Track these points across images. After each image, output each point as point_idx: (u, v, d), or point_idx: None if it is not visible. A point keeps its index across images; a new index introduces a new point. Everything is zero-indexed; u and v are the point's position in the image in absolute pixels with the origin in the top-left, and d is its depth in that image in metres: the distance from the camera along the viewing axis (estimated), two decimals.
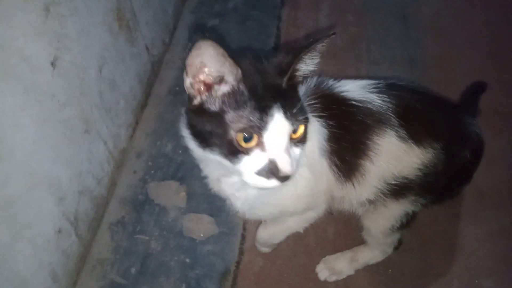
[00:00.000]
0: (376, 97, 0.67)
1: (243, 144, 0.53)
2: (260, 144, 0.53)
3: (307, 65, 0.59)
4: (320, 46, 0.57)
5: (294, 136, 0.55)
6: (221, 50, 0.51)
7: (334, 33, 0.58)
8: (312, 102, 0.65)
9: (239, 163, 0.54)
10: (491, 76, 1.29)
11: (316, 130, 0.64)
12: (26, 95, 0.71)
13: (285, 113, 0.53)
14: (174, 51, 1.39)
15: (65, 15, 0.80)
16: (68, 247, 0.86)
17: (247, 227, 0.99)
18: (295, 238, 0.95)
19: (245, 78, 0.54)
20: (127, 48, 1.08)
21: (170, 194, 1.03)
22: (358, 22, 1.48)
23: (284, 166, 0.53)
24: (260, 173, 0.54)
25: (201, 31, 1.45)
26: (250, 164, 0.54)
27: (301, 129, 0.56)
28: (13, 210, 0.70)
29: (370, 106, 0.66)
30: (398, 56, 1.35)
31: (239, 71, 0.54)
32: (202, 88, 0.56)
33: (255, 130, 0.52)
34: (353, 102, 0.66)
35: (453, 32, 1.43)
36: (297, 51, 0.56)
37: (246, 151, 0.53)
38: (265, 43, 1.42)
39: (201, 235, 0.98)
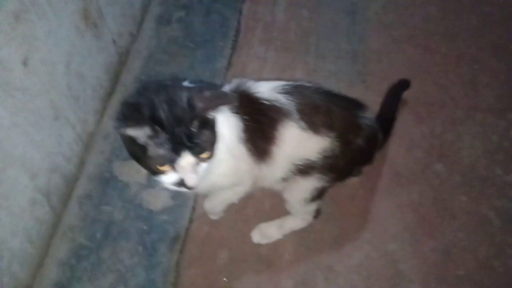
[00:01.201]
0: (282, 97, 0.83)
1: (160, 168, 0.71)
2: (172, 168, 0.70)
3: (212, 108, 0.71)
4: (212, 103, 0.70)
5: (202, 157, 0.71)
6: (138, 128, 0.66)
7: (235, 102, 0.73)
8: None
9: (159, 178, 0.73)
10: (422, 69, 1.46)
11: (234, 123, 0.80)
12: (9, 98, 0.86)
13: (191, 151, 0.68)
14: (142, 42, 1.52)
15: (34, 20, 0.94)
16: (42, 216, 1.03)
17: (198, 200, 1.16)
18: (237, 209, 1.13)
19: (162, 128, 0.67)
20: (94, 43, 1.21)
21: (132, 172, 1.20)
22: (311, 17, 1.61)
23: (188, 182, 0.71)
24: (173, 184, 0.73)
25: (165, 23, 1.58)
26: (167, 179, 0.73)
27: (208, 153, 0.72)
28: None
29: (276, 104, 0.82)
30: (343, 50, 1.50)
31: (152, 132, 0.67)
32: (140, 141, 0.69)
33: (169, 162, 0.69)
34: (264, 101, 0.82)
35: (395, 27, 1.57)
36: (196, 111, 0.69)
37: (163, 172, 0.71)
38: (226, 36, 1.56)
39: (158, 207, 1.15)
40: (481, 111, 1.34)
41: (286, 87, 0.85)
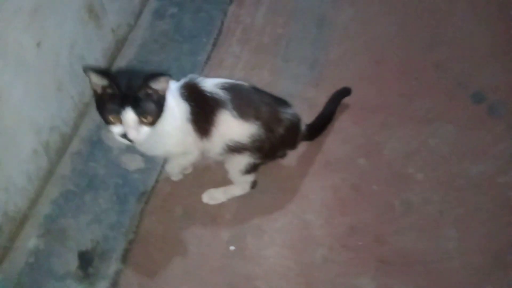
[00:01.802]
0: (220, 91, 1.11)
1: (110, 118, 0.96)
2: (120, 121, 0.96)
3: (156, 86, 0.96)
4: (155, 84, 0.95)
5: (144, 121, 0.97)
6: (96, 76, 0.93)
7: (169, 75, 0.96)
8: (183, 91, 1.10)
9: (110, 128, 0.98)
10: (369, 79, 1.72)
11: (183, 107, 1.09)
12: (18, 67, 1.16)
13: (133, 110, 0.94)
14: (137, 32, 1.81)
15: (47, 13, 1.23)
16: (41, 163, 1.34)
17: (164, 165, 1.46)
18: (194, 176, 1.43)
19: (118, 88, 0.92)
20: (95, 31, 1.50)
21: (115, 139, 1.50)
22: (285, 24, 1.88)
23: (129, 134, 0.96)
24: (119, 135, 0.98)
25: (161, 17, 1.87)
26: (115, 129, 0.98)
27: (149, 119, 0.97)
28: (5, 134, 1.17)
29: (216, 96, 1.10)
30: (306, 57, 1.76)
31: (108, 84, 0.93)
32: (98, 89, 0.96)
33: (115, 113, 0.94)
34: (207, 93, 1.11)
35: (355, 39, 1.82)
36: (143, 82, 0.94)
37: (113, 123, 0.97)
38: (210, 33, 1.83)
39: (132, 167, 1.45)
40: (409, 120, 1.60)
41: (226, 84, 1.13)
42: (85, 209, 1.36)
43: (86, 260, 1.26)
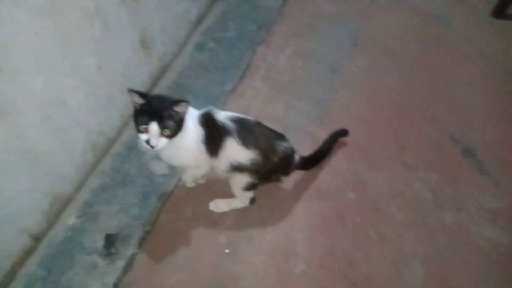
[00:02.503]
0: (229, 122, 1.40)
1: (140, 127, 1.27)
2: (147, 131, 1.27)
3: (178, 109, 1.28)
4: (177, 108, 1.26)
5: (164, 133, 1.27)
6: (136, 96, 1.26)
7: (188, 102, 1.28)
8: (201, 118, 1.40)
9: (140, 135, 1.29)
10: (369, 122, 1.96)
11: (200, 132, 1.38)
12: (82, 81, 1.52)
13: (157, 123, 1.24)
14: (180, 60, 2.15)
15: (108, 43, 1.58)
16: (87, 159, 1.68)
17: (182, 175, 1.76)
18: (206, 187, 1.72)
19: (150, 107, 1.25)
20: (144, 58, 1.86)
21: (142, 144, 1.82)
22: (304, 66, 2.17)
23: (151, 141, 1.27)
24: (144, 141, 1.28)
25: (200, 50, 2.21)
26: (142, 137, 1.28)
27: (167, 132, 1.28)
28: (63, 134, 1.52)
29: (225, 126, 1.38)
30: (316, 97, 2.04)
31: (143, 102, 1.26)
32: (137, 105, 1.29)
33: (144, 123, 1.25)
34: (218, 123, 1.39)
35: (362, 87, 2.09)
36: (169, 105, 1.26)
37: (142, 131, 1.27)
38: (239, 68, 2.15)
39: (158, 172, 1.77)
40: (399, 164, 1.83)
41: (234, 118, 1.41)
42: (116, 200, 1.67)
43: (110, 241, 1.57)
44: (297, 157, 1.57)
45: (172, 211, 1.67)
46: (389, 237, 1.63)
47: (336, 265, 1.55)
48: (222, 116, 1.42)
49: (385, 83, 2.11)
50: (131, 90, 1.27)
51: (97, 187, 1.70)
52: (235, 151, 1.41)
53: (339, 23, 2.39)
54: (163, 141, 1.29)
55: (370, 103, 2.03)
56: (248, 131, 1.42)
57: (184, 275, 1.51)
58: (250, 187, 1.53)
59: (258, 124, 1.47)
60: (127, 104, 1.78)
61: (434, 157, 1.86)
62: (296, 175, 1.73)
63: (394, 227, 1.65)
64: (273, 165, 1.47)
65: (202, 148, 1.41)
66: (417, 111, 2.00)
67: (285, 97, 2.04)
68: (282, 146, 1.47)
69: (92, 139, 1.67)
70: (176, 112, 1.28)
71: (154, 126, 1.26)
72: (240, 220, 1.65)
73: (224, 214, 1.65)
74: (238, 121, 1.41)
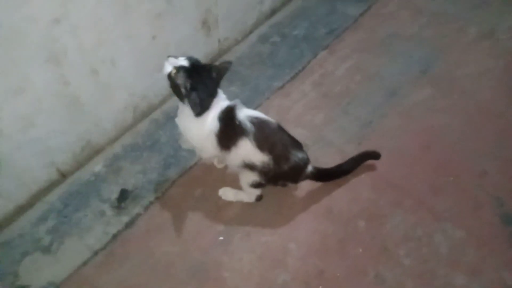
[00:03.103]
0: (248, 123, 1.38)
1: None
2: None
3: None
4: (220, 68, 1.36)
5: None
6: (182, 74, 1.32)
7: (230, 62, 1.35)
8: (220, 113, 1.42)
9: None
10: (407, 156, 1.81)
11: (215, 124, 1.40)
12: (134, 47, 1.63)
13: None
14: (240, 47, 2.20)
15: (167, 18, 1.68)
16: (126, 117, 1.82)
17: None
18: (221, 174, 1.76)
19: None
20: (203, 38, 1.93)
21: None
22: (360, 82, 2.08)
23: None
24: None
25: (263, 41, 2.23)
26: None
27: None
28: (107, 90, 1.66)
29: (243, 125, 1.38)
30: (362, 117, 1.94)
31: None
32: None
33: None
34: (237, 121, 1.39)
35: (414, 118, 1.93)
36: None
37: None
38: (294, 68, 2.13)
39: (184, 146, 1.85)
40: (425, 209, 1.68)
41: (255, 119, 1.40)
42: (140, 161, 1.80)
43: (123, 196, 1.70)
44: (310, 168, 1.54)
45: (185, 186, 1.75)
46: (387, 281, 1.53)
47: (320, 287, 1.51)
48: (243, 114, 1.42)
49: (442, 121, 1.94)
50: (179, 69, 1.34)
51: (128, 145, 1.85)
52: (248, 151, 1.42)
53: (416, 46, 2.23)
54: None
55: (417, 137, 1.89)
56: (265, 135, 1.41)
57: (175, 248, 1.58)
58: (257, 185, 1.54)
59: (278, 129, 1.46)
60: None
61: (467, 213, 1.68)
62: (310, 186, 1.70)
63: (396, 272, 1.55)
64: (283, 171, 1.46)
65: (212, 139, 1.44)
66: (467, 160, 1.82)
67: (329, 107, 1.99)
68: (296, 156, 1.45)
69: (135, 101, 1.80)
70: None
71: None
72: (243, 214, 1.67)
73: (230, 203, 1.69)
74: (258, 123, 1.41)
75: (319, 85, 2.07)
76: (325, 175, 1.64)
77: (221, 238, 1.61)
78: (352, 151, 1.81)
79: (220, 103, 1.43)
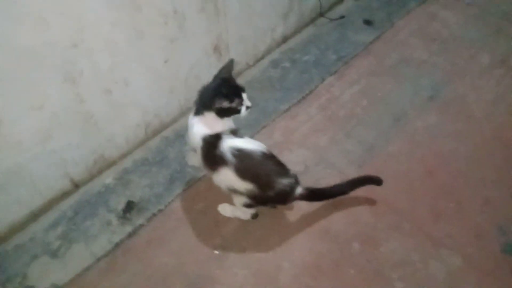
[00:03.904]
0: (230, 155, 1.43)
1: (241, 108, 1.48)
2: (242, 105, 1.48)
3: None
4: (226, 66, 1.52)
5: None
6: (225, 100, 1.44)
7: (232, 60, 1.51)
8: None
9: (242, 112, 1.49)
10: (409, 182, 1.82)
11: (200, 143, 1.49)
12: (147, 69, 1.77)
13: (242, 92, 1.49)
14: (251, 71, 2.30)
15: (180, 42, 1.81)
16: (138, 134, 1.94)
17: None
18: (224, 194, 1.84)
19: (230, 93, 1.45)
20: (215, 62, 2.05)
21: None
22: (366, 107, 2.12)
23: (249, 104, 1.50)
24: (245, 110, 1.50)
25: (274, 66, 2.32)
26: (243, 111, 1.49)
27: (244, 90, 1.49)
28: (121, 108, 1.79)
29: (224, 156, 1.44)
30: (366, 140, 1.97)
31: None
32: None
33: (241, 104, 1.47)
34: (218, 150, 1.45)
35: (420, 144, 1.94)
36: (229, 71, 1.52)
37: (241, 109, 1.48)
38: (302, 91, 2.20)
39: (190, 163, 1.94)
40: (423, 234, 1.67)
41: (237, 152, 1.44)
42: (148, 175, 1.91)
43: (129, 207, 1.80)
44: (299, 190, 1.57)
45: (187, 200, 1.83)
46: None
47: None
48: (227, 145, 1.45)
49: (448, 147, 1.93)
50: (218, 100, 1.46)
51: (138, 159, 1.97)
52: (230, 179, 1.48)
53: (426, 72, 2.25)
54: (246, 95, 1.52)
55: (421, 162, 1.89)
56: (248, 166, 1.46)
57: (172, 260, 1.66)
58: (248, 205, 1.60)
59: (263, 157, 1.48)
60: (188, 97, 2.00)
61: (468, 241, 1.65)
62: (308, 206, 1.73)
63: None
64: (269, 197, 1.51)
65: (199, 150, 1.53)
66: (471, 187, 1.79)
67: (333, 130, 2.03)
68: (281, 183, 1.49)
69: (147, 119, 1.93)
70: None
71: (244, 96, 1.51)
72: (240, 230, 1.73)
73: (229, 219, 1.75)
74: (240, 156, 1.44)
75: (325, 109, 2.12)
76: (318, 195, 1.66)
77: (217, 252, 1.67)
78: (352, 174, 1.84)
79: (223, 123, 1.52)
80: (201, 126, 1.51)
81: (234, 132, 1.53)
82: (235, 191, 1.53)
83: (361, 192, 1.72)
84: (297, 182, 1.56)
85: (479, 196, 1.77)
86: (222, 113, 1.50)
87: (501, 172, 1.83)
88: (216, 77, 1.54)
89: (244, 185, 1.48)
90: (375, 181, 1.71)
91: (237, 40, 2.09)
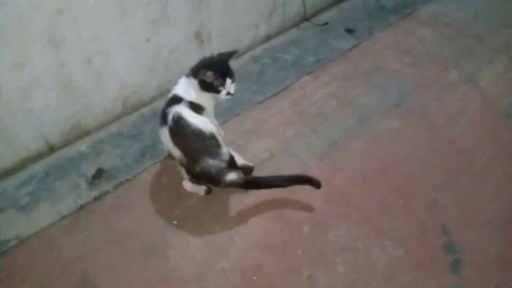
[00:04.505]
0: (171, 117, 1.58)
1: (219, 88, 1.60)
2: (224, 87, 1.60)
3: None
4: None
5: (232, 81, 1.61)
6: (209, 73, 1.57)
7: (237, 51, 1.65)
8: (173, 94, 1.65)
9: (220, 94, 1.62)
10: (366, 179, 1.93)
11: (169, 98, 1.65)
12: (128, 46, 1.89)
13: (229, 77, 1.60)
14: (234, 63, 2.36)
15: (161, 25, 1.93)
16: (116, 107, 2.04)
17: None
18: None
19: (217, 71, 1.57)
20: (195, 49, 2.17)
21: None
22: (335, 107, 2.24)
23: (231, 90, 1.62)
24: (226, 94, 1.62)
25: (255, 61, 2.45)
26: (222, 93, 1.61)
27: (233, 79, 1.61)
28: (99, 78, 1.91)
29: (168, 117, 1.56)
30: (330, 136, 2.07)
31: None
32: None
33: (222, 85, 1.59)
34: (168, 110, 1.61)
35: (379, 144, 2.06)
36: (228, 57, 1.63)
37: (220, 91, 1.60)
38: (277, 87, 2.32)
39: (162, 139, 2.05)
40: (371, 226, 1.77)
41: (176, 117, 1.56)
42: (121, 147, 2.01)
43: (99, 174, 1.90)
44: (233, 176, 1.65)
45: (155, 174, 1.93)
46: (319, 283, 1.62)
47: (254, 278, 1.62)
48: (174, 109, 1.59)
49: (405, 150, 2.05)
50: (203, 70, 1.60)
51: (114, 132, 2.07)
52: (166, 139, 1.63)
53: (395, 81, 2.39)
54: (234, 85, 1.67)
55: (377, 161, 2.01)
56: (180, 134, 1.59)
57: (132, 225, 1.75)
58: (194, 181, 1.73)
59: (198, 134, 1.58)
60: (167, 79, 2.12)
61: (411, 236, 1.76)
62: (268, 190, 1.81)
63: (329, 276, 1.63)
64: (196, 172, 1.63)
65: None
66: (421, 187, 1.91)
67: (301, 125, 2.15)
68: (206, 162, 1.59)
69: (125, 93, 2.05)
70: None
71: (228, 81, 1.62)
72: (200, 204, 1.82)
73: (191, 194, 1.85)
74: (178, 122, 1.57)
75: (296, 104, 2.24)
76: (256, 185, 1.75)
77: (175, 222, 1.77)
78: (312, 166, 1.96)
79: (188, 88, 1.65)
80: (180, 86, 1.67)
81: (196, 108, 1.64)
82: (173, 156, 1.67)
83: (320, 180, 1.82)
84: (227, 168, 1.64)
85: (428, 197, 1.89)
86: (203, 85, 1.63)
87: (452, 177, 1.95)
88: (219, 54, 1.68)
89: (175, 151, 1.62)
90: (315, 183, 1.73)
91: (220, 32, 2.22)
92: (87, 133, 2.01)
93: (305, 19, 2.66)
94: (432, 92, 2.34)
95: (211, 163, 1.60)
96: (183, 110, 1.59)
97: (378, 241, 1.74)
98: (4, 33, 1.48)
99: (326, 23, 2.69)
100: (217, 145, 1.63)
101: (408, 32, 2.69)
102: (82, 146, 1.99)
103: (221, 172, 1.63)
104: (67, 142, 1.96)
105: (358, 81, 2.38)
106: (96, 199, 1.82)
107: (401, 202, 1.87)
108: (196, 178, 1.73)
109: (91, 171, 1.91)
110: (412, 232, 1.78)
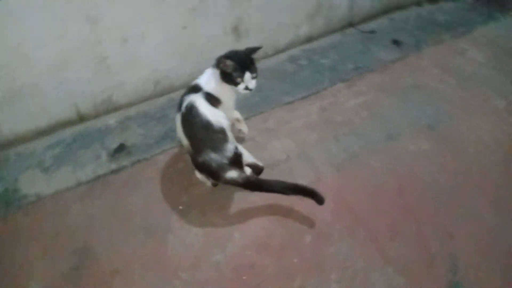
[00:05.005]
0: (185, 104, 1.65)
1: (237, 80, 1.63)
2: (242, 81, 1.64)
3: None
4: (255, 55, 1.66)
5: (253, 76, 1.64)
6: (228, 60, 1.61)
7: (261, 47, 1.66)
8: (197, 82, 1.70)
9: (238, 87, 1.65)
10: (380, 196, 1.85)
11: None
12: (164, 32, 1.94)
13: (249, 71, 1.62)
14: (268, 61, 2.42)
15: (200, 14, 1.97)
16: (147, 88, 2.12)
17: None
18: None
19: (237, 63, 1.61)
20: (232, 42, 2.19)
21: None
22: (363, 119, 2.16)
23: (250, 85, 1.65)
24: (244, 88, 1.65)
25: (291, 61, 2.43)
26: (240, 87, 1.65)
27: (254, 75, 1.64)
28: (134, 58, 1.98)
29: (183, 104, 1.64)
30: (352, 147, 2.01)
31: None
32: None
33: (240, 77, 1.62)
34: (184, 97, 1.67)
35: (402, 165, 1.96)
36: (252, 51, 1.66)
37: (239, 83, 1.63)
38: (308, 90, 2.29)
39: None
40: (376, 249, 1.69)
41: (190, 106, 1.62)
42: (146, 127, 2.08)
43: (120, 149, 1.99)
44: (233, 174, 1.64)
45: (172, 157, 1.99)
46: None
47: (244, 278, 1.62)
48: (190, 98, 1.65)
49: (429, 176, 1.94)
50: (224, 59, 1.65)
51: (142, 111, 2.16)
52: (178, 125, 1.68)
53: (434, 102, 2.26)
54: (254, 81, 1.68)
55: (396, 181, 1.92)
56: (191, 123, 1.62)
57: (140, 202, 1.82)
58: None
59: (206, 126, 1.60)
60: (200, 68, 2.15)
61: (416, 266, 1.66)
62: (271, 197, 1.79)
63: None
64: (198, 163, 1.65)
65: None
66: (438, 217, 1.79)
67: (325, 131, 2.10)
68: (208, 155, 1.60)
69: (157, 76, 2.11)
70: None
71: (247, 75, 1.64)
72: (208, 195, 1.85)
73: (201, 184, 1.88)
74: (190, 111, 1.62)
75: (324, 110, 2.20)
76: (257, 187, 1.71)
77: (181, 207, 1.81)
78: (327, 176, 1.91)
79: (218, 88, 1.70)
80: (204, 75, 1.73)
81: (212, 100, 1.67)
82: (182, 143, 1.71)
83: (329, 190, 1.78)
84: (228, 165, 1.62)
85: (443, 228, 1.78)
86: (223, 76, 1.67)
87: (473, 212, 1.83)
88: (246, 48, 1.72)
89: (183, 138, 1.66)
90: (318, 198, 1.65)
91: (258, 28, 2.21)
92: (117, 108, 2.10)
93: (351, 24, 2.58)
94: (472, 118, 2.20)
95: (213, 157, 1.61)
96: (197, 100, 1.63)
97: (380, 265, 1.67)
98: (48, 7, 1.57)
99: (373, 31, 2.60)
100: (224, 140, 1.63)
101: (459, 52, 2.54)
102: (110, 120, 2.09)
103: (221, 168, 1.63)
104: (97, 114, 2.06)
105: (394, 96, 2.28)
106: (113, 172, 1.91)
107: (413, 228, 1.78)
108: (198, 169, 1.75)
109: (114, 145, 2.00)
110: (418, 262, 1.68)
